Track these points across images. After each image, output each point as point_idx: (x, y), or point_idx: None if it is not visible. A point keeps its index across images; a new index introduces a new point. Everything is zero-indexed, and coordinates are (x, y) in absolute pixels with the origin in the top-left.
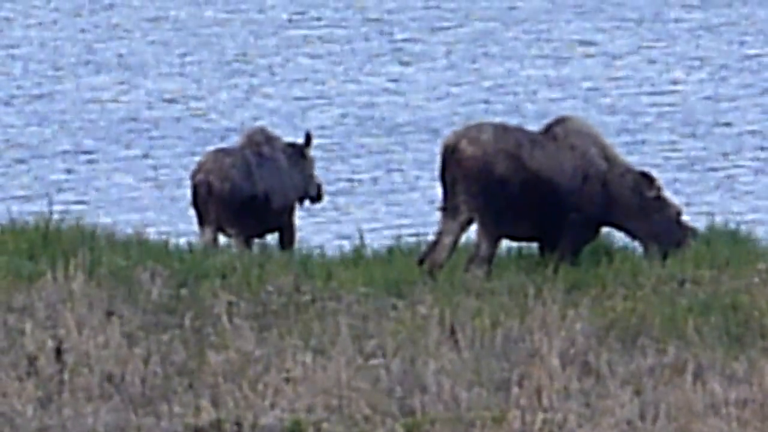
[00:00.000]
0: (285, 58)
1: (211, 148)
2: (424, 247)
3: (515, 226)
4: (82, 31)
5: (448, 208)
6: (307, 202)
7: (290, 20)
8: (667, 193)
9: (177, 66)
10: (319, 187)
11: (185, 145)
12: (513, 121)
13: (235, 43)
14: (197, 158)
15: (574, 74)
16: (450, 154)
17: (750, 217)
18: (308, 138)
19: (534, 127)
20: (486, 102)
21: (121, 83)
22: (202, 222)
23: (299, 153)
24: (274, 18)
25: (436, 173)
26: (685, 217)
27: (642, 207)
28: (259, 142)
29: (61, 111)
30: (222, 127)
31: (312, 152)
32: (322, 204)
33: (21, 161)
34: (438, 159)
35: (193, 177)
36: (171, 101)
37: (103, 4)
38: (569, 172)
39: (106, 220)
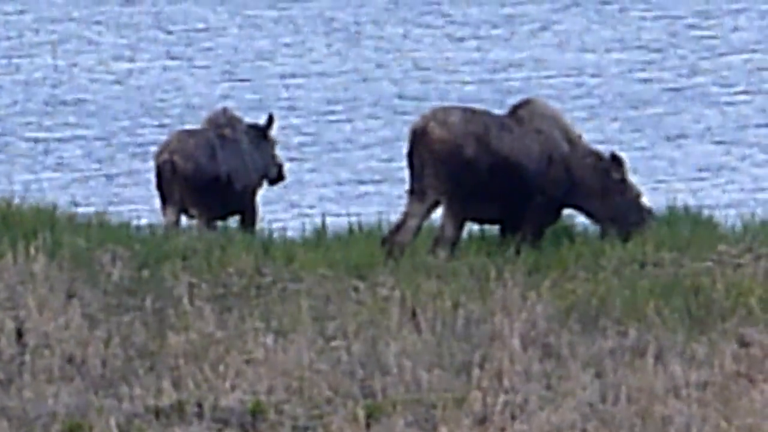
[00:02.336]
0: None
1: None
2: (385, 230)
3: (481, 208)
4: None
5: (415, 191)
6: (267, 183)
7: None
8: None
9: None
10: (280, 167)
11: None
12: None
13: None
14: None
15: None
16: (418, 137)
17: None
18: (270, 119)
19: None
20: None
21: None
22: (165, 202)
23: (262, 134)
24: None
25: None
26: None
27: (603, 189)
28: (222, 123)
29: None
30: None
31: (273, 133)
32: (283, 184)
33: None
34: (406, 141)
35: (157, 157)
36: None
37: None
38: (535, 155)
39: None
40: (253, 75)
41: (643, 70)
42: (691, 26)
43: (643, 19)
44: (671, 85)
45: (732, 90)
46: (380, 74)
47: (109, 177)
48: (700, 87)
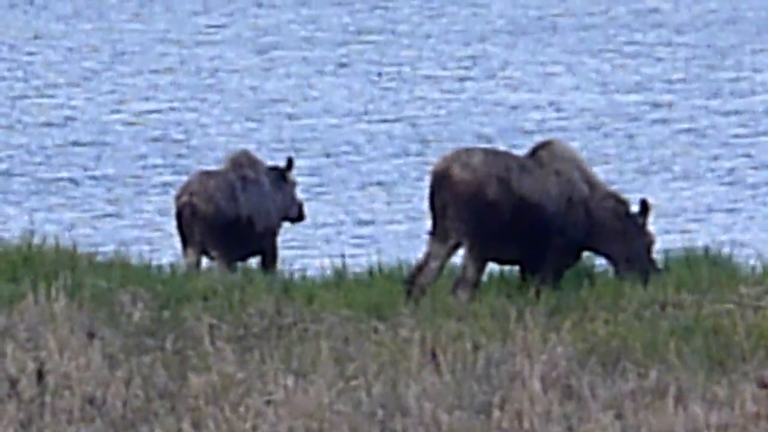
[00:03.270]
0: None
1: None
2: (406, 271)
3: (502, 250)
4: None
5: (436, 232)
6: (288, 223)
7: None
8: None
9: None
10: (300, 207)
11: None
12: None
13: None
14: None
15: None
16: (440, 179)
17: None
18: (290, 162)
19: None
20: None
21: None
22: (185, 243)
23: (281, 176)
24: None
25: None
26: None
27: (621, 231)
28: (243, 164)
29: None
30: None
31: (293, 175)
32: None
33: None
34: (428, 184)
35: (177, 199)
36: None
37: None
38: (555, 197)
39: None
40: (272, 115)
41: (657, 109)
42: (710, 66)
43: (660, 59)
44: (685, 126)
45: (748, 131)
46: (398, 114)
47: (125, 217)
48: (713, 128)
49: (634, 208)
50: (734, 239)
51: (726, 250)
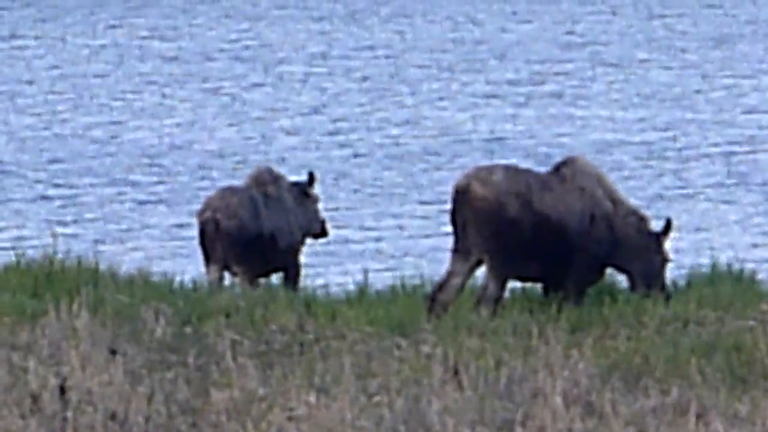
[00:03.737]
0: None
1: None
2: (428, 287)
3: (524, 267)
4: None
5: (458, 249)
6: (310, 239)
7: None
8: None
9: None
10: (323, 223)
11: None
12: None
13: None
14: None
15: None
16: (462, 196)
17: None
18: (311, 177)
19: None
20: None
21: (114, 123)
22: (208, 260)
23: (303, 192)
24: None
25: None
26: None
27: (642, 248)
28: (266, 181)
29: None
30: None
31: (315, 190)
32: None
33: (27, 198)
34: (450, 201)
35: (200, 215)
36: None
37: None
38: (577, 214)
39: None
40: (298, 129)
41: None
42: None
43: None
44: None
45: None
46: (415, 130)
47: (151, 233)
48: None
49: (654, 226)
50: (758, 256)
51: (749, 267)
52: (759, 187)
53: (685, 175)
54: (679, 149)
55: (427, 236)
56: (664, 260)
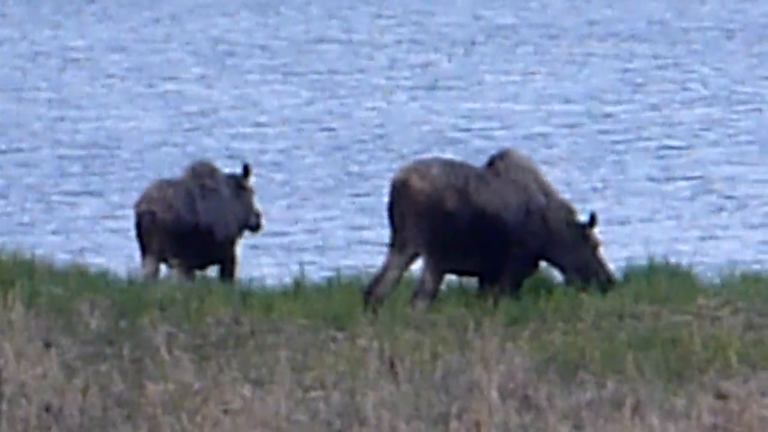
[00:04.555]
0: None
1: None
2: (364, 280)
3: (460, 260)
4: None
5: (395, 243)
6: (246, 232)
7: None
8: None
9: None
10: (258, 216)
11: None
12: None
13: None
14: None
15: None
16: (400, 190)
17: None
18: (246, 169)
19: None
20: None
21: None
22: (144, 252)
23: (239, 184)
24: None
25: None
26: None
27: (573, 241)
28: (202, 173)
29: None
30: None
31: (250, 183)
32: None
33: None
34: (387, 194)
35: (137, 207)
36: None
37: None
38: (513, 207)
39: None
40: (230, 123)
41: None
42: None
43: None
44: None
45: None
46: (351, 123)
47: (83, 224)
48: (645, 140)
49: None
50: (693, 249)
51: (685, 261)
52: (689, 181)
53: (620, 168)
54: (614, 142)
55: (363, 229)
56: (595, 248)
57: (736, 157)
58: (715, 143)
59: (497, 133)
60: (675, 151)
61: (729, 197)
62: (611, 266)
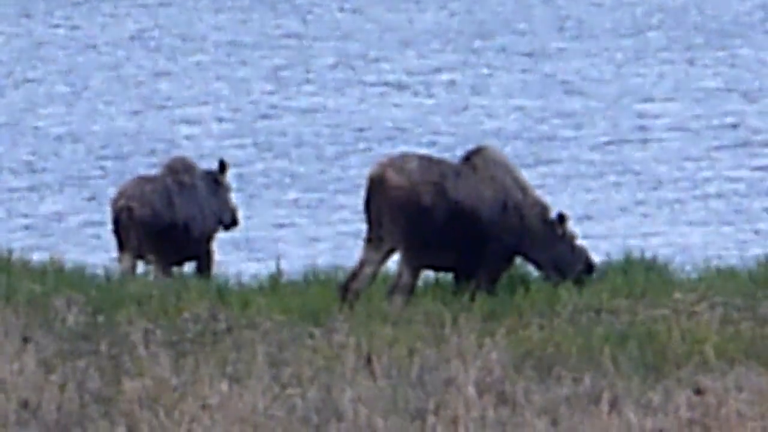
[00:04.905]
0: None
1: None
2: (341, 276)
3: (437, 256)
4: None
5: (371, 238)
6: (221, 229)
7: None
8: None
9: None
10: (233, 212)
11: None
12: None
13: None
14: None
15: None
16: (376, 185)
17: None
18: (222, 165)
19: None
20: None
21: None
22: (121, 248)
23: (215, 180)
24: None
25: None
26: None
27: (547, 237)
28: (179, 170)
29: None
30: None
31: (227, 179)
32: (236, 229)
33: None
34: (364, 189)
35: (114, 203)
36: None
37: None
38: (489, 203)
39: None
40: (206, 118)
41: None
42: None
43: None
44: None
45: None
46: (330, 117)
47: (63, 222)
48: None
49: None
50: (669, 243)
51: (662, 255)
52: (636, 176)
53: (574, 163)
54: (574, 138)
55: (338, 224)
56: (571, 240)
57: (713, 152)
58: (689, 136)
59: (463, 129)
60: (631, 145)
61: (702, 192)
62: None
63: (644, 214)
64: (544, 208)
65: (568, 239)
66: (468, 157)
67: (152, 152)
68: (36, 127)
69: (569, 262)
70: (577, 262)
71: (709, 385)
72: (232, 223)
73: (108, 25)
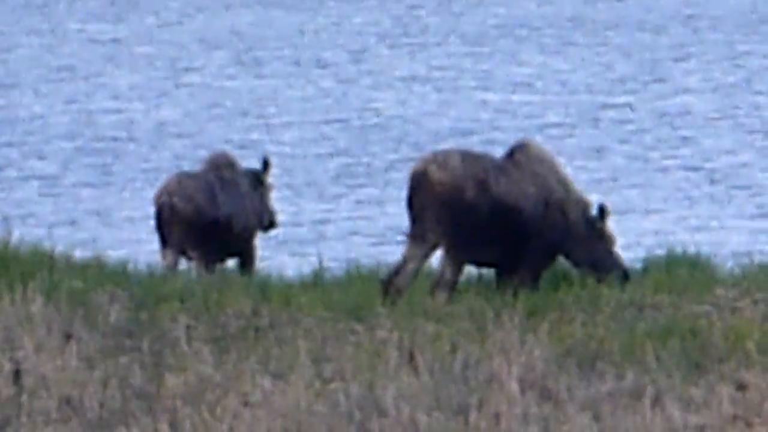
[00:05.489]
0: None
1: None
2: (383, 272)
3: (480, 252)
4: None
5: (414, 234)
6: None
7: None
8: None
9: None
10: (272, 214)
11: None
12: None
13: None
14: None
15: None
16: (418, 181)
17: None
18: (266, 163)
19: None
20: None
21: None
22: (164, 244)
23: (258, 179)
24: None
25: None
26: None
27: (589, 236)
28: (221, 165)
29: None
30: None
31: (269, 178)
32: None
33: None
34: (407, 186)
35: (157, 199)
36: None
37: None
38: (532, 199)
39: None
40: (251, 117)
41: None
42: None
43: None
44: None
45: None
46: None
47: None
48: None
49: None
50: (712, 240)
51: (705, 251)
52: (700, 171)
53: (635, 158)
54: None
55: (382, 220)
56: (610, 244)
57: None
58: (725, 132)
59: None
60: (687, 141)
61: (739, 186)
62: (629, 258)
63: (688, 208)
64: (587, 206)
65: (607, 240)
66: (511, 153)
67: (201, 148)
68: (86, 121)
69: (607, 265)
70: (614, 266)
71: (751, 381)
72: (270, 224)
73: (162, 18)
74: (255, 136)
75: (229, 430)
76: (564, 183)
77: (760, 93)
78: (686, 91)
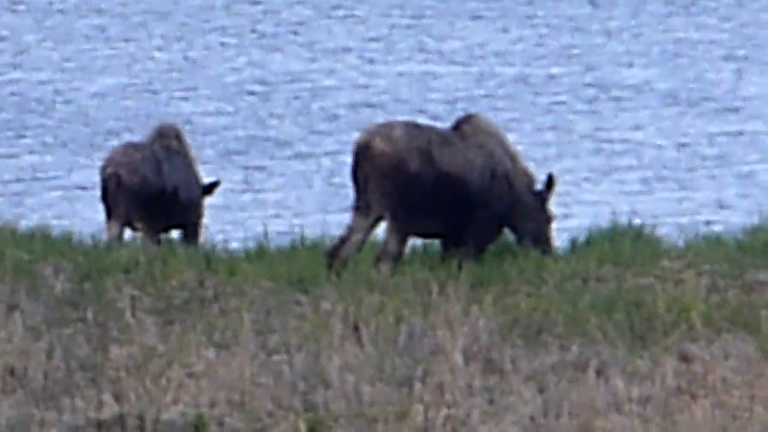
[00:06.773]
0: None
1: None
2: (328, 243)
3: (424, 223)
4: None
5: (359, 206)
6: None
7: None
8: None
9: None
10: (216, 182)
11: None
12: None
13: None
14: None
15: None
16: (363, 152)
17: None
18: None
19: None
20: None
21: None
22: (110, 216)
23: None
24: None
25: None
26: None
27: (532, 208)
28: (168, 136)
29: None
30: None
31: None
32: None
33: None
34: (351, 156)
35: (102, 170)
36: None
37: None
38: (478, 171)
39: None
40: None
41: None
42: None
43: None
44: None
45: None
46: (329, 84)
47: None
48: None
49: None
50: (651, 211)
51: (649, 223)
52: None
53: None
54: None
55: (326, 191)
56: (549, 219)
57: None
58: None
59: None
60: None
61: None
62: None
63: (629, 181)
64: (531, 179)
65: (549, 217)
66: (457, 125)
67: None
68: (26, 91)
69: (545, 238)
70: (548, 241)
71: (695, 353)
72: (208, 189)
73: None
74: (183, 106)
75: (173, 401)
76: (511, 155)
77: (693, 64)
78: (621, 62)
